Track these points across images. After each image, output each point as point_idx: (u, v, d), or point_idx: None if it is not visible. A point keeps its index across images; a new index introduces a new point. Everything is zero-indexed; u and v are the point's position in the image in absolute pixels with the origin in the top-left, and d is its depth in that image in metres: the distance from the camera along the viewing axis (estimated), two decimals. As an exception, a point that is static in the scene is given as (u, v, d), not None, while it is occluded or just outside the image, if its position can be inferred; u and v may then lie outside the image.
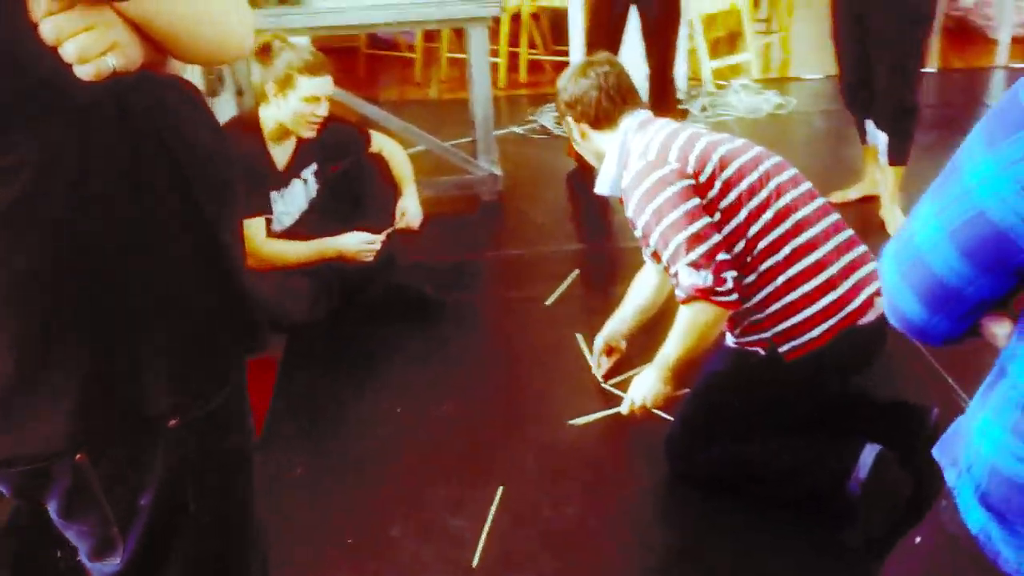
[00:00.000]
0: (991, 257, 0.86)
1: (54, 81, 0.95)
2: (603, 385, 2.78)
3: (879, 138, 3.67)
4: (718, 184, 2.21)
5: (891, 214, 3.66)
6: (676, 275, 2.18)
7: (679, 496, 2.34)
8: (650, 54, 4.03)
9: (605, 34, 3.91)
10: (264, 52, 2.84)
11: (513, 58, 5.70)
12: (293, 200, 3.06)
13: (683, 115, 4.76)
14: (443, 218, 3.93)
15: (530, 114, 5.06)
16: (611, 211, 4.06)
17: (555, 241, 3.70)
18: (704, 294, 2.14)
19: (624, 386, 2.74)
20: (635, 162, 2.31)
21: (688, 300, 2.18)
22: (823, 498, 2.16)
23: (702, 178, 2.22)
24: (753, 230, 2.19)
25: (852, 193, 3.91)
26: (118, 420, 1.09)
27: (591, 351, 2.87)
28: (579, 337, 3.00)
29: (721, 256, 2.15)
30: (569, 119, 2.50)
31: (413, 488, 2.39)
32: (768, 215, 2.20)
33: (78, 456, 1.09)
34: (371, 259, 3.02)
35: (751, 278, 2.19)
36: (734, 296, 2.14)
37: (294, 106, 2.84)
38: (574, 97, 2.45)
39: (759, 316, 2.19)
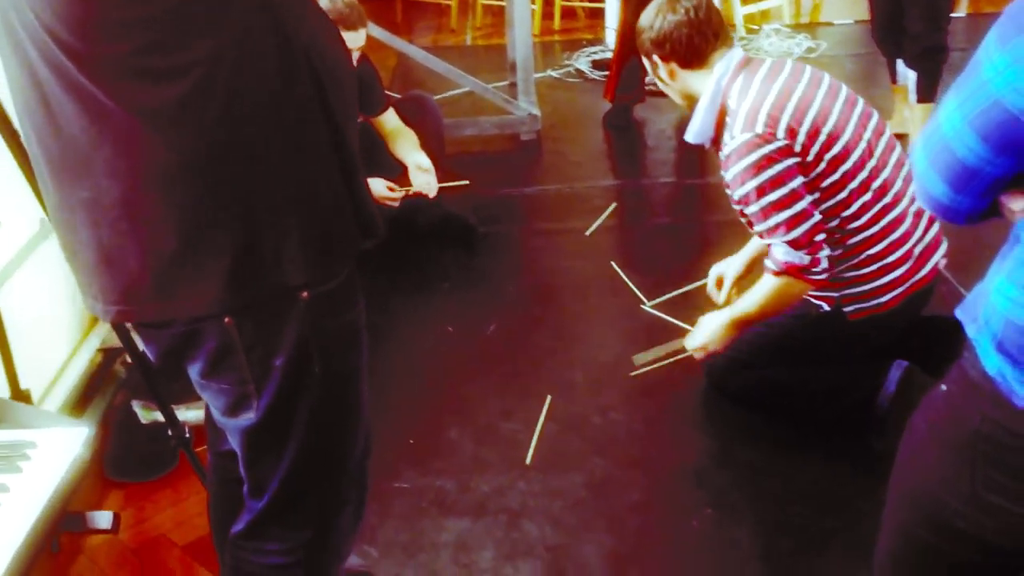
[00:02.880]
0: (1006, 139, 1.01)
1: None
2: (643, 307, 2.94)
3: (909, 77, 3.79)
4: (824, 164, 2.14)
5: (919, 151, 3.78)
6: (772, 248, 2.20)
7: (714, 405, 2.51)
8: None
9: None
10: None
11: (547, 5, 5.80)
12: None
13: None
14: (484, 156, 4.09)
15: (565, 59, 5.17)
16: (646, 149, 4.21)
17: (592, 178, 3.85)
18: (798, 272, 2.17)
19: (663, 307, 2.92)
20: (738, 123, 2.16)
21: (780, 273, 2.20)
22: (851, 415, 2.32)
23: (809, 157, 2.13)
24: (852, 209, 2.18)
25: (882, 132, 4.03)
26: (261, 289, 1.26)
27: (628, 278, 3.04)
28: (615, 265, 3.15)
29: (819, 236, 2.15)
30: (656, 58, 2.31)
31: (467, 397, 2.58)
32: (867, 196, 2.18)
33: (227, 319, 1.26)
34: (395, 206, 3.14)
35: (838, 250, 2.21)
36: (825, 275, 2.18)
37: None
38: (662, 34, 2.26)
39: (834, 277, 2.23)
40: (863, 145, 2.18)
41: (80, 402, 2.38)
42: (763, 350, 2.39)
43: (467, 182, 3.30)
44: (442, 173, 3.39)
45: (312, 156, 1.27)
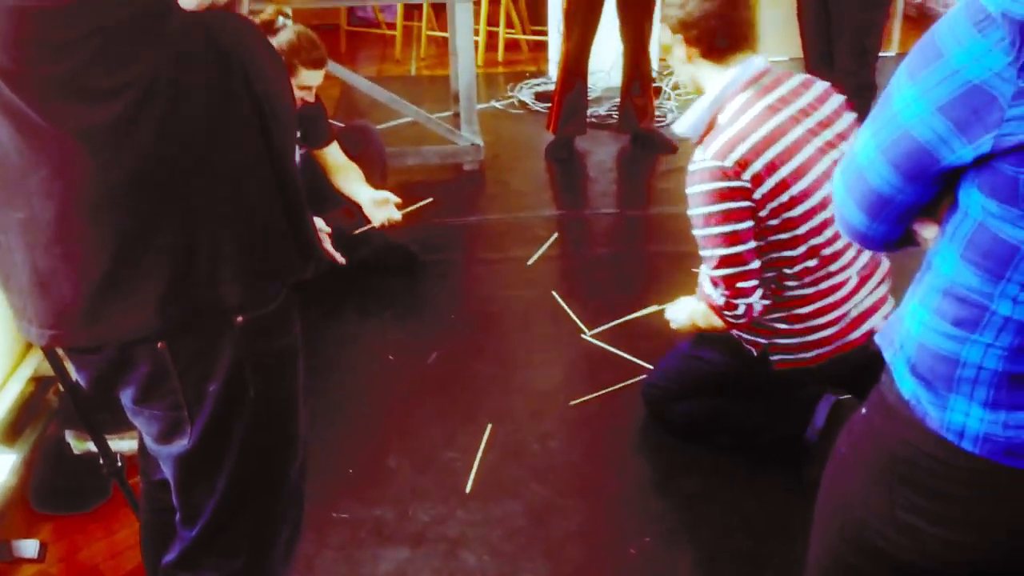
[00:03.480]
0: (915, 168, 1.06)
1: (157, 8, 1.13)
2: (584, 336, 2.97)
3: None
4: (777, 221, 2.09)
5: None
6: (700, 276, 2.23)
7: (653, 435, 2.53)
8: (624, 31, 4.21)
9: (584, 12, 4.09)
10: (267, 27, 2.94)
11: (491, 37, 5.86)
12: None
13: (655, 93, 4.96)
14: (427, 185, 4.09)
15: (509, 90, 5.23)
16: (588, 180, 4.26)
17: (534, 207, 3.88)
18: (714, 309, 2.19)
19: (603, 337, 2.95)
20: (714, 145, 2.08)
21: (702, 300, 2.24)
22: (784, 445, 2.36)
23: (764, 211, 2.08)
24: (794, 269, 2.15)
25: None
26: (195, 313, 1.26)
27: (569, 307, 3.07)
28: (556, 295, 3.18)
29: (745, 284, 2.11)
30: (679, 37, 2.19)
31: (407, 425, 2.57)
32: (813, 262, 2.14)
33: (160, 344, 1.26)
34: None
35: (771, 300, 2.17)
36: (742, 321, 2.18)
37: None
38: (692, 18, 2.14)
39: (764, 324, 2.22)
40: (826, 214, 2.10)
41: (11, 432, 2.33)
42: (696, 382, 2.43)
43: (431, 199, 3.31)
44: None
45: (250, 182, 1.27)
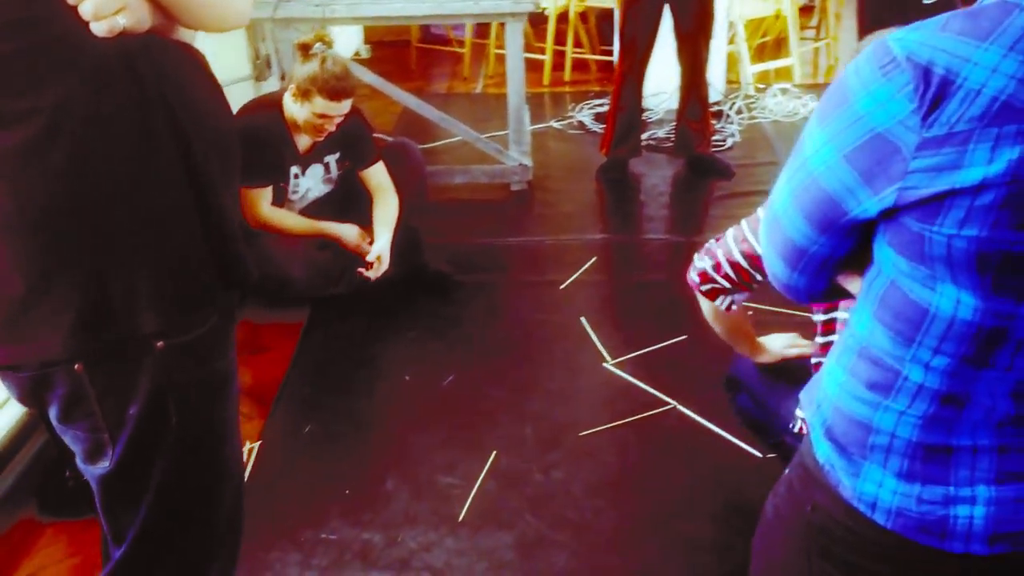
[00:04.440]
0: (824, 218, 0.98)
1: (69, 37, 1.13)
2: (605, 365, 2.91)
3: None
4: None
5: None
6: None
7: (661, 471, 2.46)
8: (682, 54, 4.14)
9: (638, 33, 4.03)
10: (303, 50, 2.99)
11: (559, 56, 5.83)
12: (316, 180, 3.25)
13: (717, 116, 4.86)
14: (472, 204, 4.10)
15: (570, 110, 5.19)
16: (638, 204, 4.19)
17: (578, 230, 3.84)
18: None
19: (625, 366, 2.88)
20: None
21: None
22: None
23: None
24: None
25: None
26: (112, 337, 1.26)
27: (595, 333, 3.01)
28: (583, 320, 3.13)
29: (723, 279, 1.97)
30: None
31: (411, 448, 2.56)
32: None
33: (76, 366, 1.26)
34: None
35: None
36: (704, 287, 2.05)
37: (306, 115, 3.00)
38: None
39: None
40: None
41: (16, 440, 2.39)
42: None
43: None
44: (424, 219, 3.42)
45: (168, 209, 1.26)
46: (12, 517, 2.30)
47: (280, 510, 2.33)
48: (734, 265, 1.98)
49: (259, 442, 2.57)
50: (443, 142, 4.58)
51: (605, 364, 2.91)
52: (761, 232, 1.10)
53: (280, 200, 3.18)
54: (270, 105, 3.13)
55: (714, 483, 2.41)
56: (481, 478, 2.43)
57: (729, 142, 4.69)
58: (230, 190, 1.35)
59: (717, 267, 2.00)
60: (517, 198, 4.14)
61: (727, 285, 2.01)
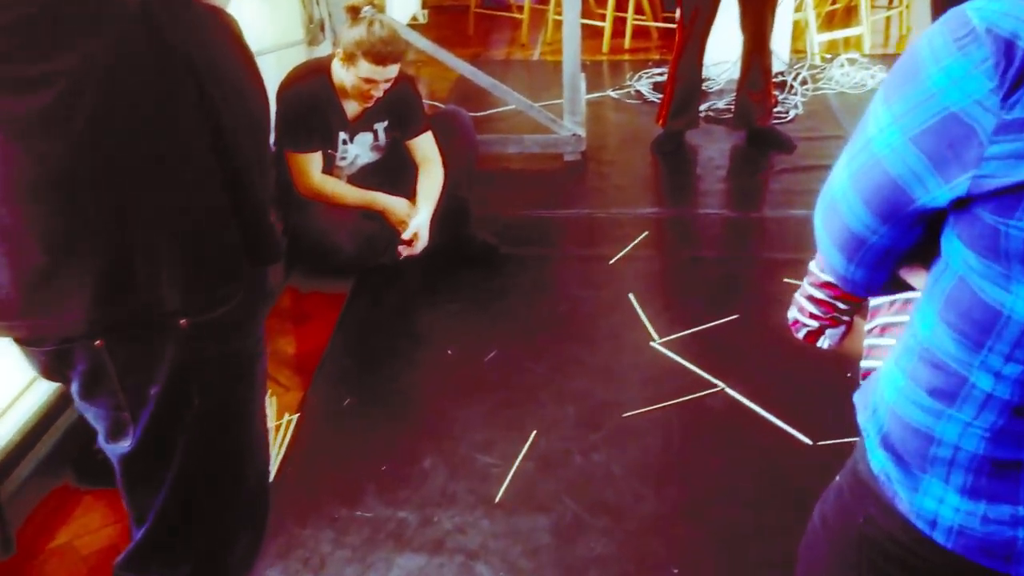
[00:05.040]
0: (887, 206, 0.88)
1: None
2: (652, 344, 2.82)
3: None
4: None
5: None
6: None
7: (701, 455, 2.37)
8: (745, 22, 3.98)
9: (700, 0, 3.89)
10: (352, 12, 2.92)
11: (619, 23, 5.69)
12: (364, 148, 3.18)
13: (780, 87, 4.69)
14: (524, 174, 4.01)
15: (629, 79, 5.06)
16: (694, 178, 4.07)
17: (631, 204, 3.73)
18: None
19: (672, 346, 2.79)
20: None
21: None
22: None
23: None
24: None
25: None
26: (133, 314, 1.21)
27: (643, 310, 2.92)
28: (632, 297, 3.04)
29: (809, 319, 1.87)
30: None
31: (451, 425, 2.50)
32: None
33: (97, 342, 1.22)
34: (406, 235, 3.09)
35: None
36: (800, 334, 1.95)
37: (352, 79, 2.94)
38: None
39: None
40: None
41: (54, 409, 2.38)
42: None
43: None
44: (474, 189, 3.35)
45: (193, 182, 1.21)
46: (49, 485, 2.30)
47: (316, 485, 2.30)
48: (812, 300, 1.89)
49: (298, 414, 2.53)
50: (497, 110, 4.49)
51: (652, 343, 2.82)
52: (816, 216, 1.00)
53: (329, 167, 3.13)
54: (318, 70, 3.07)
55: (760, 469, 2.32)
56: (520, 458, 2.37)
57: (792, 114, 4.53)
58: (260, 164, 1.29)
59: (801, 310, 1.93)
60: (570, 169, 4.05)
61: (814, 324, 1.93)
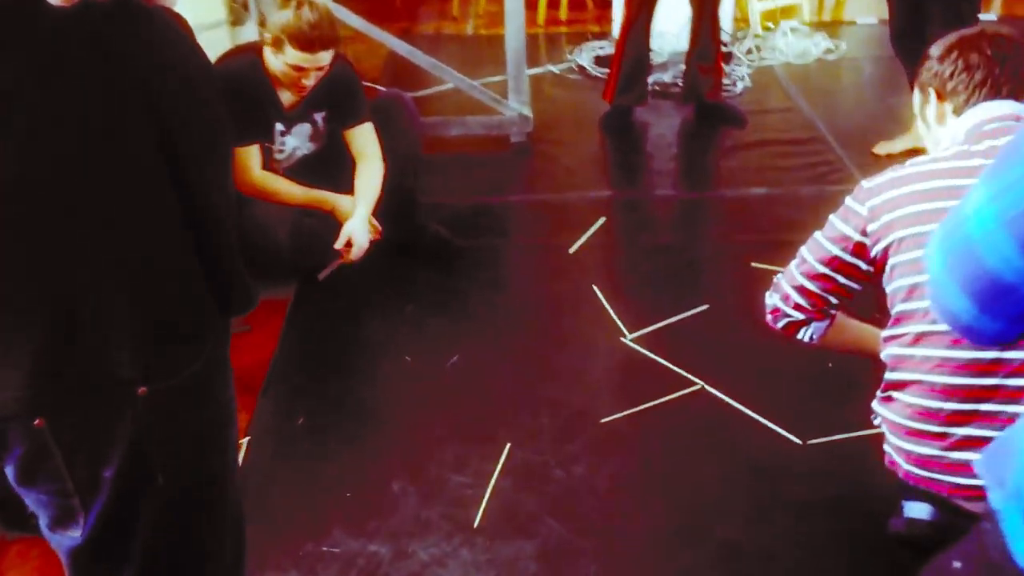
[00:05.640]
0: None
1: (20, 5, 0.86)
2: (623, 340, 2.66)
3: (931, 88, 3.48)
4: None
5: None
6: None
7: (691, 463, 2.23)
8: (693, -7, 3.84)
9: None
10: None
11: (554, -7, 5.50)
12: (302, 139, 2.95)
13: (727, 58, 4.56)
14: (470, 159, 3.82)
15: (568, 53, 4.88)
16: (645, 157, 3.92)
17: (584, 187, 3.56)
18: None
19: (645, 341, 2.64)
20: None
21: None
22: None
23: (878, 253, 1.66)
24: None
25: (898, 144, 3.73)
26: (79, 385, 1.00)
27: (609, 303, 2.77)
28: (596, 289, 2.88)
29: (794, 310, 1.79)
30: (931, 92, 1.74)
31: (418, 442, 2.31)
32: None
33: (36, 421, 1.01)
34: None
35: None
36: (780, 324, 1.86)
37: (281, 66, 2.71)
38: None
39: None
40: None
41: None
42: None
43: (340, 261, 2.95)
44: (417, 178, 3.14)
45: (148, 220, 1.00)
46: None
47: (274, 520, 2.09)
48: (801, 290, 1.79)
49: (247, 438, 2.32)
50: (434, 90, 4.27)
51: (623, 339, 2.67)
52: (934, 256, 0.84)
53: (266, 161, 2.89)
54: (250, 56, 2.82)
55: (751, 476, 2.19)
56: (495, 476, 2.20)
57: (740, 87, 4.40)
58: (225, 196, 1.09)
59: (786, 298, 1.82)
60: (517, 151, 3.86)
61: (800, 316, 1.81)
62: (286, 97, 2.85)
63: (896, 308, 1.62)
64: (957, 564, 0.94)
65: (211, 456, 1.17)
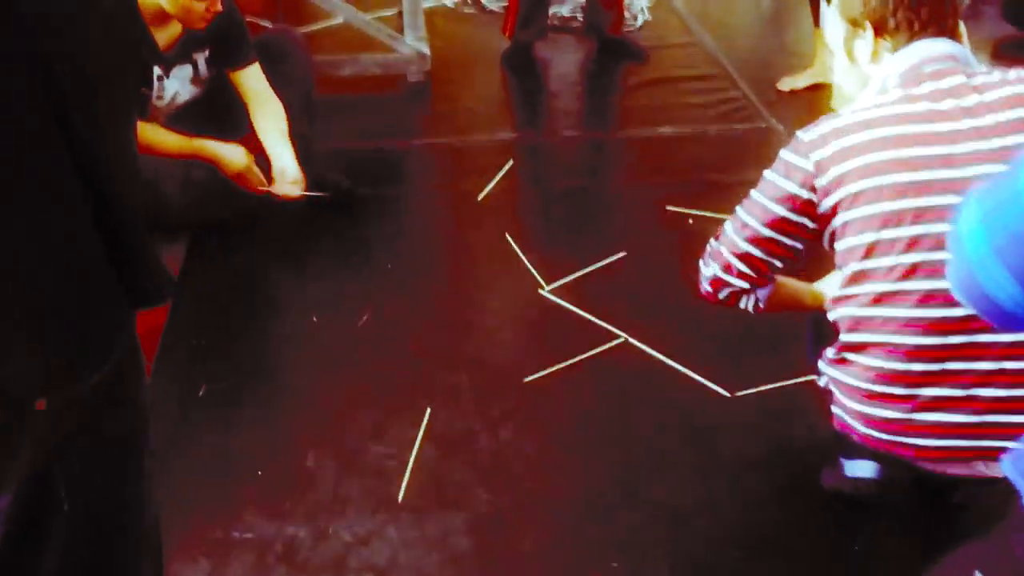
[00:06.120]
0: None
1: None
2: (541, 292, 2.55)
3: (835, 21, 3.43)
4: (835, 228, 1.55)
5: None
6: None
7: (623, 422, 2.15)
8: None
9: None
10: None
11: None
12: (183, 83, 2.69)
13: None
14: (365, 100, 3.61)
15: (462, -15, 4.67)
16: (548, 96, 3.78)
17: (488, 129, 3.41)
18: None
19: (563, 292, 2.54)
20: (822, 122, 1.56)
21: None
22: None
23: (827, 209, 1.54)
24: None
25: (801, 80, 3.68)
26: None
27: (524, 253, 2.65)
28: (509, 238, 2.75)
29: (738, 279, 1.68)
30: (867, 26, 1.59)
31: (331, 411, 2.16)
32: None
33: None
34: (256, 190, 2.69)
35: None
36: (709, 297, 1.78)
37: (188, 1, 2.43)
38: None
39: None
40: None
41: None
42: None
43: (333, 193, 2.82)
44: (312, 124, 2.93)
45: (37, 208, 0.82)
46: None
47: (179, 504, 1.90)
48: (745, 258, 1.66)
49: (143, 414, 2.12)
50: (322, 25, 4.02)
51: (541, 291, 2.56)
52: (974, 232, 0.73)
53: (144, 110, 2.63)
54: None
55: (683, 432, 2.11)
56: (418, 444, 2.07)
57: (640, 20, 4.29)
58: (130, 164, 0.90)
59: (728, 268, 1.69)
60: (415, 92, 3.67)
61: (745, 285, 1.70)
62: (161, 37, 2.59)
63: (851, 267, 1.54)
64: (979, 574, 0.86)
65: (124, 468, 1.00)
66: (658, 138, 3.36)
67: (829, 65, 3.54)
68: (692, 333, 2.38)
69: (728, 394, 2.21)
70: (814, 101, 3.52)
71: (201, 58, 2.71)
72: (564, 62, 3.96)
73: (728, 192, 2.98)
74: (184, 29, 2.58)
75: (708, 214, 2.81)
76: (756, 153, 3.13)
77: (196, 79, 2.74)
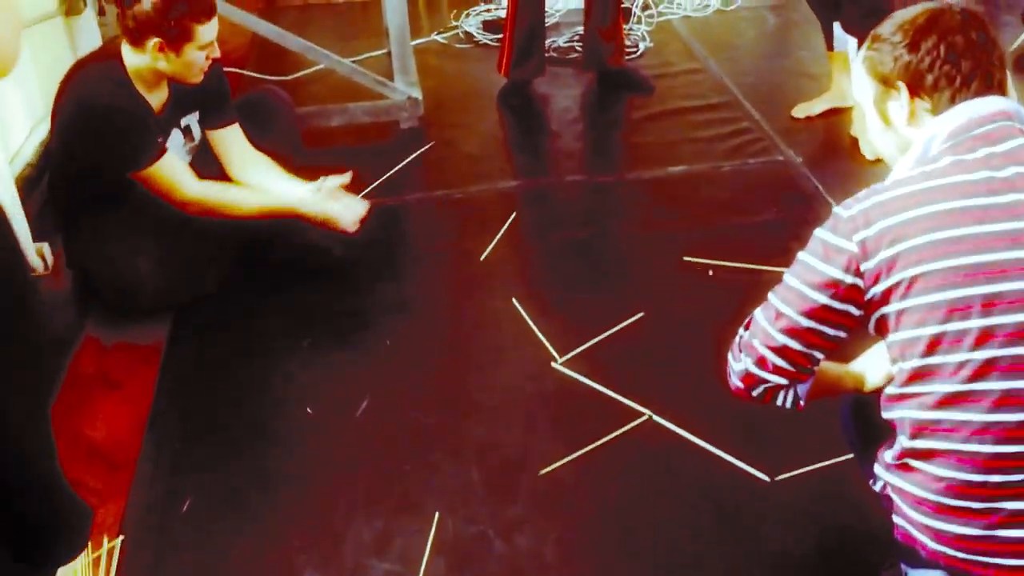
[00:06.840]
0: None
1: None
2: (554, 365, 2.34)
3: (849, 43, 3.24)
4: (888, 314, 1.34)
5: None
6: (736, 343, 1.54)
7: (650, 516, 1.94)
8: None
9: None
10: None
11: (429, -48, 5.06)
12: (178, 150, 2.53)
13: (627, 16, 4.24)
14: (355, 152, 3.41)
15: (453, 19, 4.47)
16: (551, 137, 3.58)
17: (487, 178, 3.21)
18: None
19: (577, 363, 2.33)
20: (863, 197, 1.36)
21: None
22: None
23: (876, 296, 1.33)
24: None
25: (817, 106, 3.48)
26: None
27: (533, 319, 2.45)
28: (516, 303, 2.55)
29: (774, 375, 1.46)
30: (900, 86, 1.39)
31: (329, 521, 1.95)
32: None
33: None
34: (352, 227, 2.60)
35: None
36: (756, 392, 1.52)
37: (191, 58, 2.30)
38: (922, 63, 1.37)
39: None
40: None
41: None
42: None
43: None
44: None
45: None
46: None
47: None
48: (781, 351, 1.43)
49: (120, 537, 1.91)
50: (307, 71, 3.83)
51: (554, 364, 2.35)
52: None
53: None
54: (105, 64, 2.37)
55: (722, 527, 1.90)
56: (426, 558, 1.86)
57: (641, 48, 4.09)
58: (36, 421, 0.71)
59: (762, 362, 1.45)
60: (408, 139, 3.47)
61: (783, 380, 1.46)
62: (154, 100, 2.43)
63: (912, 363, 1.32)
64: None
65: None
66: (668, 179, 3.16)
67: (846, 89, 3.36)
68: (723, 406, 2.14)
69: (768, 478, 2.00)
70: (832, 129, 3.31)
71: (193, 121, 2.56)
72: (564, 98, 3.76)
73: (746, 236, 2.80)
74: (171, 92, 2.43)
75: (728, 264, 2.61)
76: (773, 190, 2.94)
77: (191, 146, 2.60)
